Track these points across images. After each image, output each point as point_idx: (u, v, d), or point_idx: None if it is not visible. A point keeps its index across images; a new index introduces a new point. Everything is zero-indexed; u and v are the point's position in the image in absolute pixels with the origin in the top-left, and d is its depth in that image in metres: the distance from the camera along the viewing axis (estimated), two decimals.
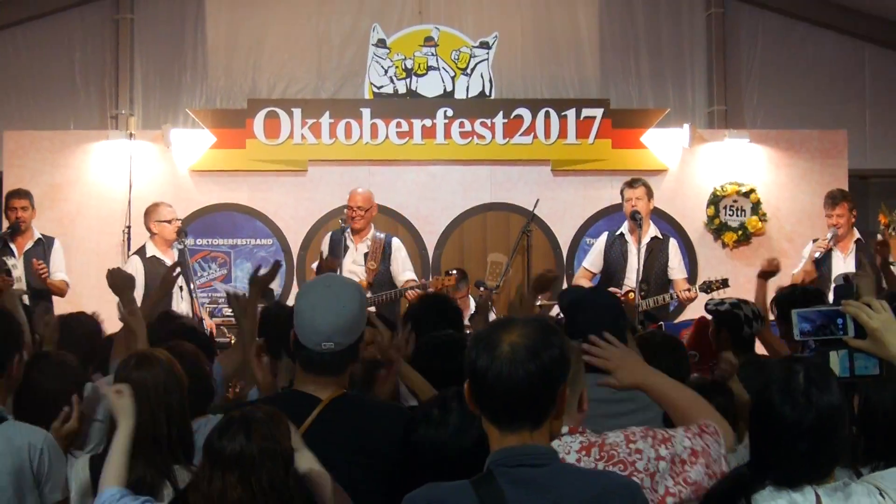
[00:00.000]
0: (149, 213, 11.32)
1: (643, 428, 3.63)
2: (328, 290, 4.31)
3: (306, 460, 3.85)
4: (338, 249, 11.21)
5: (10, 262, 10.81)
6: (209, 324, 10.87)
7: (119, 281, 6.87)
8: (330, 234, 11.62)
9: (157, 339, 5.98)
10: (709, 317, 7.41)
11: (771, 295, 8.36)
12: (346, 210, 11.33)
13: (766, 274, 9.26)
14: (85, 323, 6.92)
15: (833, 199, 11.01)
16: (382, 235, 11.39)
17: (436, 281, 11.27)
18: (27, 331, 5.92)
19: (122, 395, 4.31)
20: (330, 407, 4.16)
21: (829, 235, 10.87)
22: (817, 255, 10.83)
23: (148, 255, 11.15)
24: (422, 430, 3.87)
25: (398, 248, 11.39)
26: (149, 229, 11.26)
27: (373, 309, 10.62)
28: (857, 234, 11.00)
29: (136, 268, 10.97)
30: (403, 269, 11.29)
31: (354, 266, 11.05)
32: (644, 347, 5.40)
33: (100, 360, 6.70)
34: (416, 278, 11.35)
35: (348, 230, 11.24)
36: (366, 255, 11.16)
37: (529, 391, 3.19)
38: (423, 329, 6.10)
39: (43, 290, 11.05)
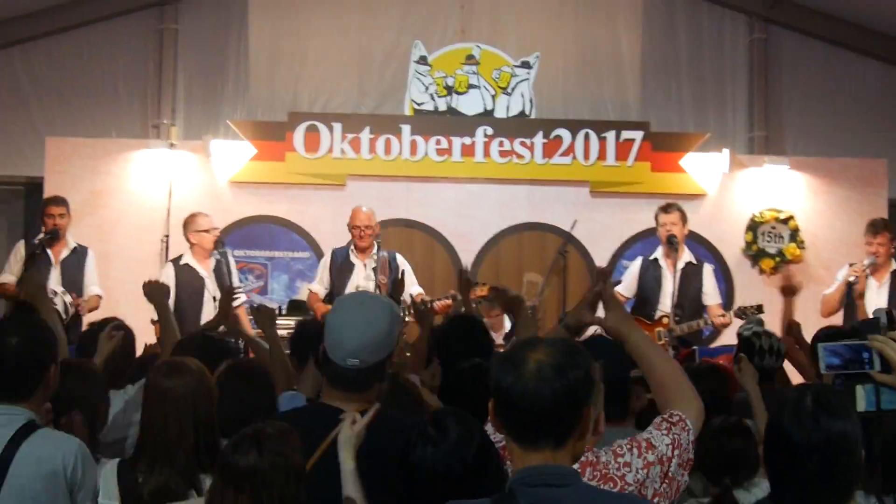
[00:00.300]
0: (186, 224, 11.34)
1: (628, 440, 3.65)
2: (361, 306, 4.36)
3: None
4: (343, 267, 11.30)
5: (56, 290, 10.86)
6: None
7: (153, 290, 7.02)
8: (332, 251, 11.64)
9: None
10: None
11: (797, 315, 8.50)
12: (351, 230, 11.35)
13: (788, 290, 9.24)
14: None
15: (875, 227, 10.99)
16: (386, 252, 11.39)
17: None
18: (64, 343, 6.02)
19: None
20: None
21: (866, 262, 10.83)
22: (851, 279, 10.80)
23: (182, 262, 11.21)
24: (419, 449, 3.87)
25: (403, 263, 11.44)
26: (187, 239, 11.28)
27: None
28: (894, 265, 10.93)
29: (168, 275, 11.06)
30: (410, 284, 11.35)
31: (365, 282, 11.08)
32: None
33: (131, 373, 6.73)
34: (422, 290, 11.38)
35: (351, 248, 11.31)
36: (374, 269, 11.17)
37: (555, 409, 3.21)
38: (452, 351, 6.14)
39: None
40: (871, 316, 9.78)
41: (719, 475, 5.32)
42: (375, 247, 11.33)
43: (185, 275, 11.08)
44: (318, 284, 11.58)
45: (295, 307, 11.26)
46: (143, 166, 13.21)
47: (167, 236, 12.70)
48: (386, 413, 4.31)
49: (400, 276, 11.24)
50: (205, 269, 11.10)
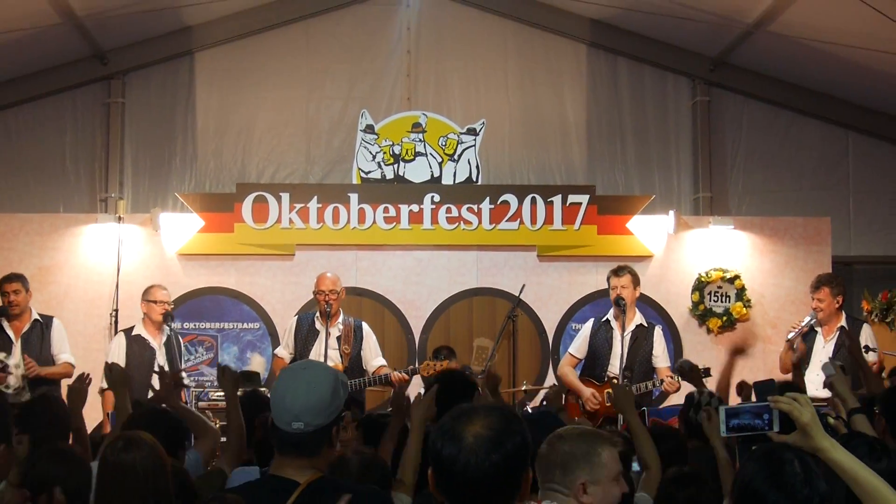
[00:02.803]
0: (143, 293, 11.50)
1: None
2: (304, 372, 4.38)
3: None
4: (308, 334, 11.33)
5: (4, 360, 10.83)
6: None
7: (116, 376, 6.98)
8: (297, 318, 11.72)
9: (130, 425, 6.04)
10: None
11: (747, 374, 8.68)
12: (317, 295, 11.40)
13: (738, 351, 9.43)
14: (53, 405, 6.91)
15: (817, 282, 11.07)
16: (352, 320, 11.50)
17: (426, 366, 11.19)
18: None
19: None
20: (307, 491, 4.18)
21: (806, 319, 10.95)
22: (790, 335, 10.92)
23: (133, 333, 11.32)
24: None
25: (369, 334, 11.50)
26: (142, 309, 11.39)
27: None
28: (842, 321, 10.95)
29: (119, 344, 11.30)
30: (375, 355, 11.39)
31: (329, 350, 11.08)
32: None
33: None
34: (385, 363, 11.44)
35: (317, 314, 11.32)
36: (338, 338, 11.22)
37: (495, 481, 3.25)
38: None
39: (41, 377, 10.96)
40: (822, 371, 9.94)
41: None
42: (341, 313, 11.39)
43: (136, 345, 11.22)
44: (284, 350, 11.65)
45: (247, 378, 11.21)
46: (91, 241, 13.19)
47: (116, 310, 12.69)
48: (329, 480, 4.35)
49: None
50: (156, 342, 11.18)
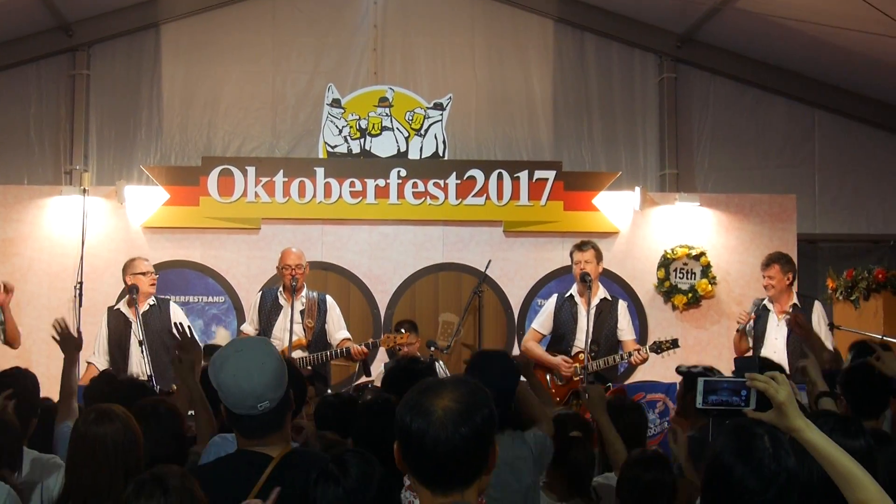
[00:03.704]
0: (125, 267, 11.39)
1: None
2: (241, 354, 4.35)
3: None
4: (271, 309, 11.32)
5: None
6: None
7: (66, 342, 6.92)
8: (262, 293, 11.72)
9: (101, 398, 6.02)
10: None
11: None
12: (282, 270, 11.37)
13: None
14: (22, 378, 6.88)
15: (767, 260, 11.14)
16: (315, 294, 11.47)
17: (386, 339, 11.25)
18: None
19: None
20: (282, 464, 4.21)
21: (752, 307, 11.05)
22: (739, 327, 11.00)
23: (115, 308, 11.35)
24: (320, 487, 3.90)
25: (332, 307, 11.47)
26: (125, 283, 11.32)
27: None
28: (794, 298, 11.03)
29: (102, 320, 11.32)
30: (338, 328, 11.37)
31: (293, 325, 11.05)
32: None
33: (42, 415, 6.72)
34: (349, 336, 11.41)
35: (280, 289, 11.32)
36: (302, 312, 11.20)
37: (465, 454, 3.22)
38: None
39: None
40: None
41: None
42: (304, 287, 11.37)
43: (114, 319, 11.25)
44: (249, 325, 11.67)
45: (212, 352, 11.15)
46: (55, 213, 13.10)
47: (80, 283, 12.54)
48: (301, 452, 4.34)
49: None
50: (131, 314, 11.07)
